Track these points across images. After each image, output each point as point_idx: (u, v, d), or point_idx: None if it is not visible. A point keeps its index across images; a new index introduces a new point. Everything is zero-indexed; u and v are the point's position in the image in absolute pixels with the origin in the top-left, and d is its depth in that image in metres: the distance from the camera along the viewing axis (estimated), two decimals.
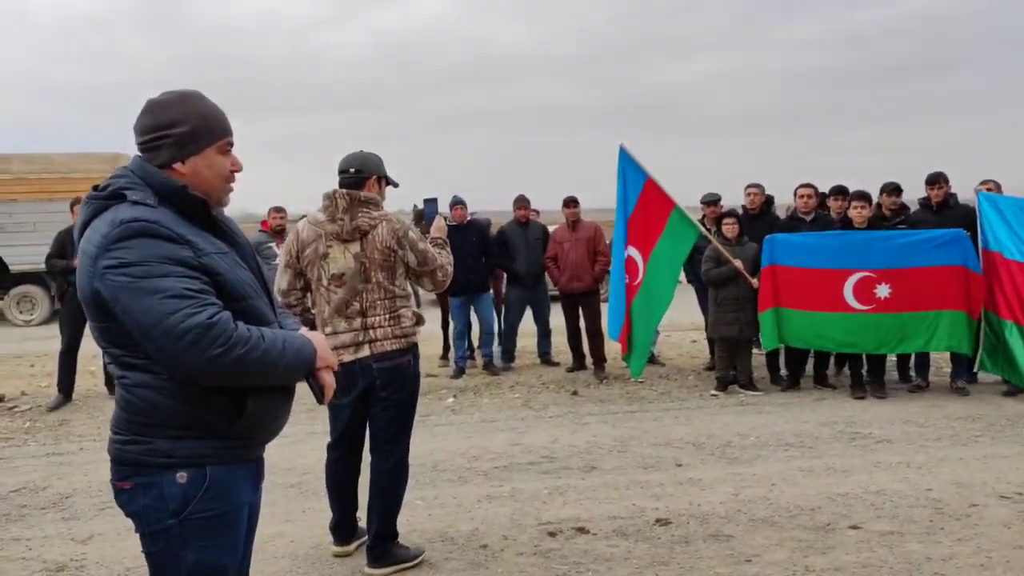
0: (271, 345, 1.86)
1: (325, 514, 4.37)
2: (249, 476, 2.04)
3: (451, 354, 8.52)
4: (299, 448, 5.62)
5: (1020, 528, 4.04)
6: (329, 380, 2.06)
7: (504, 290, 8.89)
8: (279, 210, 8.31)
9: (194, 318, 1.74)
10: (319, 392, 2.06)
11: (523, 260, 8.38)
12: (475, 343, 8.76)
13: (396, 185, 3.75)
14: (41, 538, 4.32)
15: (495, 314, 8.76)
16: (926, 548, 3.84)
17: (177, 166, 1.94)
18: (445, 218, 4.28)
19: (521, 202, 8.58)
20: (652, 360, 8.47)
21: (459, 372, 8.18)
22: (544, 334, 8.78)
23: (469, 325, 8.45)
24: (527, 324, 8.73)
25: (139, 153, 1.98)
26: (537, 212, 9.38)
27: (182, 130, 1.93)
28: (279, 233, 8.16)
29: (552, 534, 4.15)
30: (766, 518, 4.27)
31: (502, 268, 8.57)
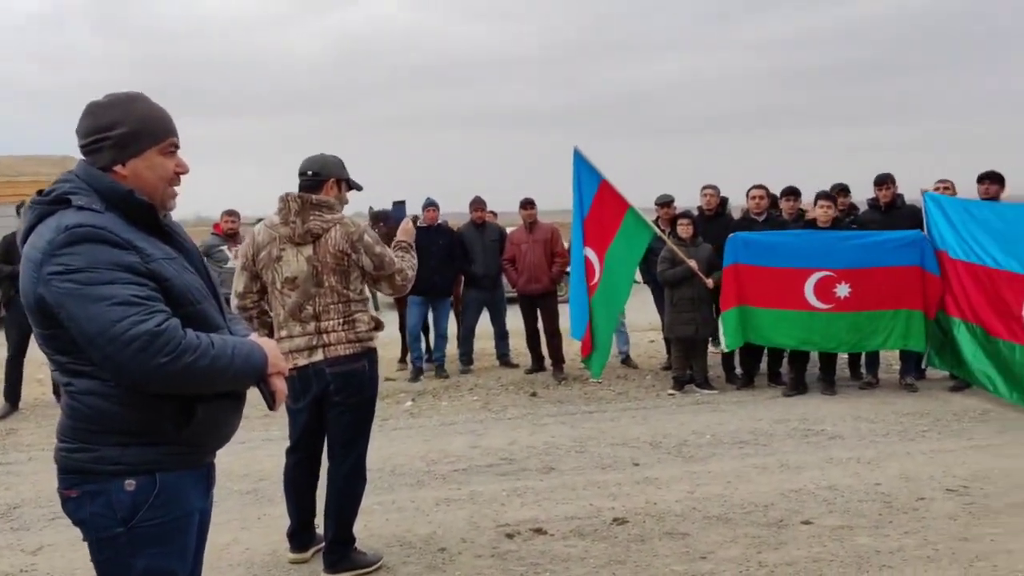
0: (220, 352, 1.84)
1: (282, 521, 4.33)
2: (199, 483, 2.02)
3: (409, 356, 8.48)
4: (255, 454, 5.56)
5: (965, 520, 4.16)
6: (280, 386, 2.05)
7: (461, 292, 8.89)
8: (231, 213, 8.20)
9: (141, 325, 1.72)
10: (270, 398, 2.05)
11: (480, 262, 8.38)
12: (431, 345, 8.72)
13: (359, 188, 3.72)
14: None
15: (452, 319, 8.75)
16: (875, 541, 3.93)
17: (118, 168, 1.92)
18: (416, 220, 4.26)
19: (477, 204, 8.58)
20: (626, 362, 8.55)
21: (416, 372, 8.15)
22: (502, 336, 8.79)
23: (426, 327, 8.42)
24: (485, 326, 8.74)
25: (82, 157, 1.95)
26: (495, 214, 9.39)
27: (121, 132, 1.90)
28: (231, 237, 8.05)
29: (510, 536, 4.16)
30: (721, 515, 4.34)
31: (461, 271, 8.56)
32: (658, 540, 4.04)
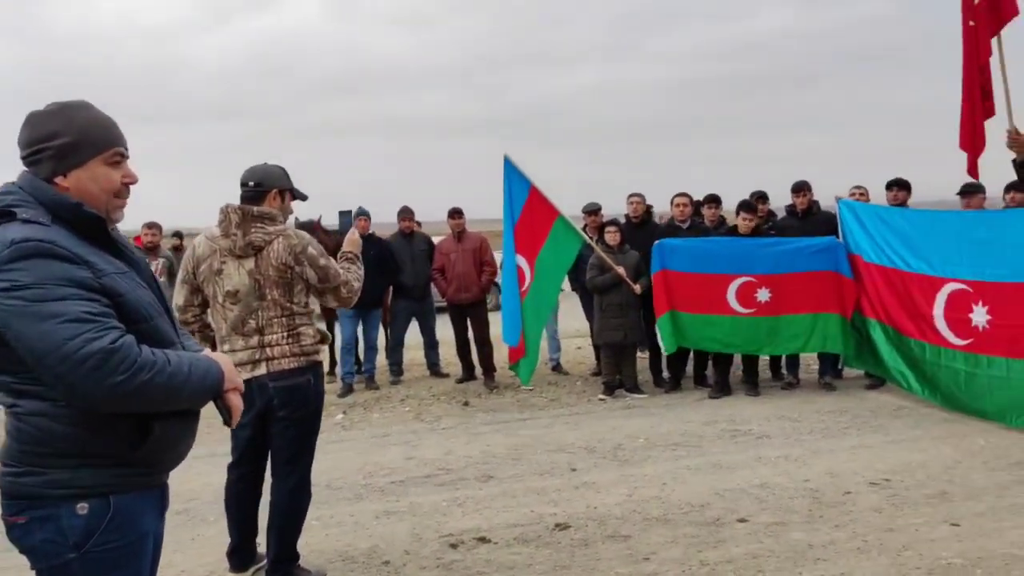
0: (177, 369, 1.79)
1: (215, 540, 4.22)
2: (154, 504, 1.96)
3: (337, 369, 8.35)
4: (185, 473, 5.32)
5: (890, 512, 4.35)
6: (236, 402, 2.01)
7: (390, 303, 8.80)
8: (152, 226, 7.92)
9: (95, 343, 1.66)
10: (227, 414, 2.00)
11: (409, 272, 8.32)
12: (360, 358, 8.61)
13: (304, 198, 3.65)
14: None
15: (381, 329, 8.66)
16: (808, 536, 4.07)
17: (59, 180, 1.85)
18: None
19: (405, 214, 8.53)
20: (557, 369, 8.62)
21: (347, 389, 8.02)
22: (432, 345, 8.74)
23: (356, 340, 8.31)
24: (414, 336, 8.68)
25: (24, 168, 1.87)
26: (419, 223, 9.36)
27: (61, 142, 1.84)
28: (152, 250, 7.79)
29: (454, 545, 4.14)
30: (660, 516, 4.42)
31: (390, 282, 8.48)
32: (601, 543, 4.09)
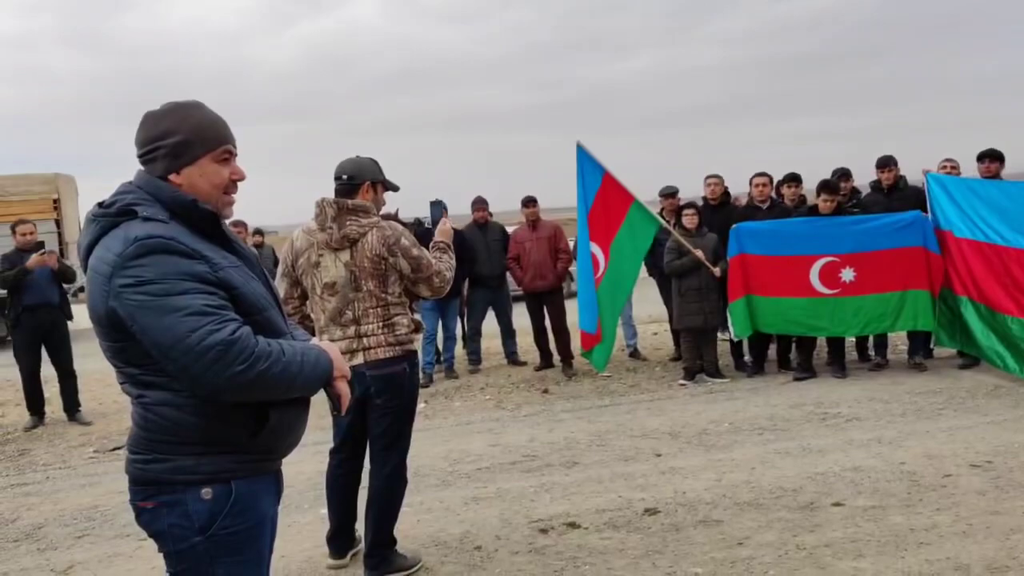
0: (291, 358, 1.84)
1: (311, 527, 4.34)
2: (271, 489, 2.02)
3: (418, 360, 8.45)
4: None
5: (994, 495, 4.20)
6: (344, 390, 2.05)
7: (466, 293, 8.88)
8: (237, 224, 8.18)
9: (216, 335, 1.72)
10: (336, 402, 2.05)
11: (484, 262, 8.38)
12: (439, 349, 8.71)
13: (395, 189, 3.71)
14: (18, 571, 4.17)
15: (459, 319, 8.75)
16: (908, 520, 3.96)
17: (172, 177, 1.91)
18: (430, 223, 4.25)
19: (480, 204, 8.59)
20: (634, 355, 8.56)
21: (428, 379, 8.11)
22: (509, 334, 8.79)
23: (436, 331, 8.41)
24: (491, 325, 8.74)
25: (140, 167, 1.94)
26: (492, 214, 9.39)
27: (175, 140, 1.90)
28: None
29: (544, 531, 4.17)
30: (751, 501, 4.36)
31: (466, 272, 8.54)
32: (692, 529, 4.06)
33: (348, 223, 3.48)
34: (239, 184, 2.03)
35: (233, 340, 1.74)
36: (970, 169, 7.21)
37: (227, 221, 2.03)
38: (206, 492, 1.85)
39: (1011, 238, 6.26)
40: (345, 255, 3.50)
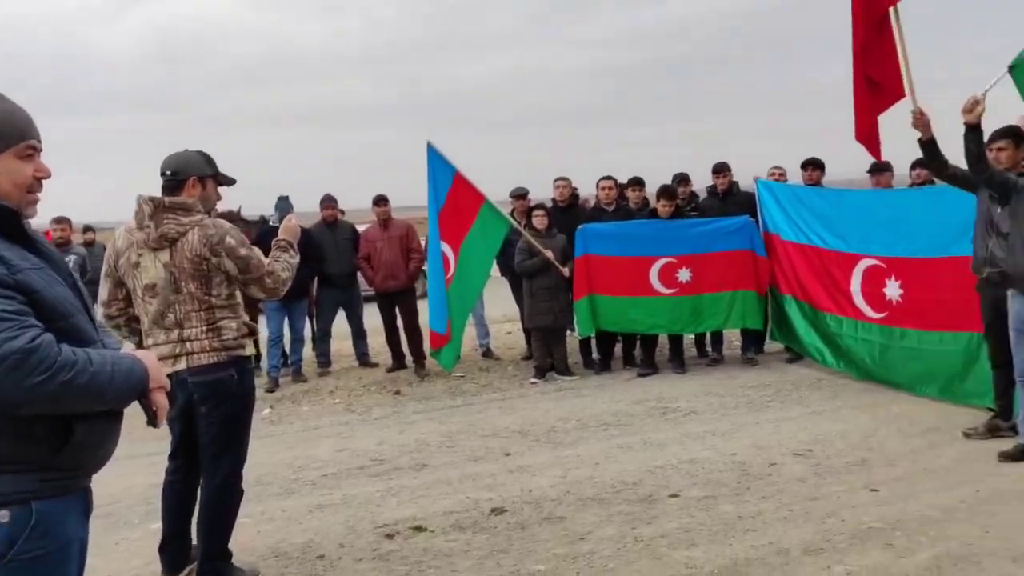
0: (99, 368, 1.72)
1: (141, 543, 4.10)
2: (78, 509, 1.88)
3: (262, 364, 8.15)
4: (106, 475, 5.17)
5: (814, 482, 4.51)
6: (162, 401, 1.94)
7: (315, 293, 8.64)
8: (61, 221, 7.58)
9: (12, 343, 1.58)
10: (152, 414, 1.93)
11: (334, 261, 8.19)
12: (286, 351, 8.43)
13: (231, 182, 3.53)
14: None
15: (307, 320, 8.50)
16: (737, 508, 4.19)
17: None
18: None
19: (328, 202, 8.36)
20: (487, 355, 8.60)
21: (273, 383, 7.84)
22: (360, 335, 8.63)
23: (282, 333, 8.14)
24: (340, 327, 8.56)
25: None
26: (343, 212, 9.19)
27: None
28: (62, 246, 7.46)
29: (390, 536, 4.11)
30: (594, 496, 4.48)
31: (314, 272, 8.31)
32: (537, 526, 4.12)
33: (166, 221, 3.30)
34: (44, 182, 1.89)
35: (31, 348, 1.61)
36: (796, 176, 7.73)
37: (49, 220, 1.88)
38: (2, 515, 1.70)
39: (830, 241, 6.77)
40: (164, 255, 3.32)
